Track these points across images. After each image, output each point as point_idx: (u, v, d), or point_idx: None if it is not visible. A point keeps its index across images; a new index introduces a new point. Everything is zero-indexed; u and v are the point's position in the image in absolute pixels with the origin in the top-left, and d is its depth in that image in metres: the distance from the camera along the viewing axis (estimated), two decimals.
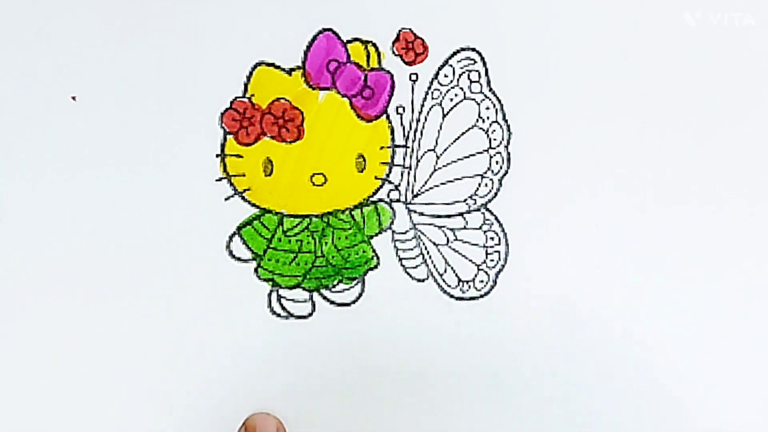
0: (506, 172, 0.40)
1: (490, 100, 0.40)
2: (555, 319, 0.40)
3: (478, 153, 0.40)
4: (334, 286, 0.39)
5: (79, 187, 0.37)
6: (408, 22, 0.39)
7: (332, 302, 0.39)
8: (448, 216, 0.40)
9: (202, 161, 0.38)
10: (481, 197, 0.40)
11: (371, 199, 0.39)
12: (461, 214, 0.40)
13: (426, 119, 0.39)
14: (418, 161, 0.39)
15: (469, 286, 0.40)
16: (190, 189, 0.38)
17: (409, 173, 0.40)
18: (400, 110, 0.39)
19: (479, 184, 0.40)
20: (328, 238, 0.39)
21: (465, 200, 0.40)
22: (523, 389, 0.40)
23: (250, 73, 0.38)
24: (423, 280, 0.40)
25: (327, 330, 0.39)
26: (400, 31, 0.39)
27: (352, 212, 0.39)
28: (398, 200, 0.40)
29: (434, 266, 0.40)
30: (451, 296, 0.40)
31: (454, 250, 0.40)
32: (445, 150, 0.40)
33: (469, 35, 0.39)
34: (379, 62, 0.39)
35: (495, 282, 0.40)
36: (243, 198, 0.38)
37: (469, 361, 0.40)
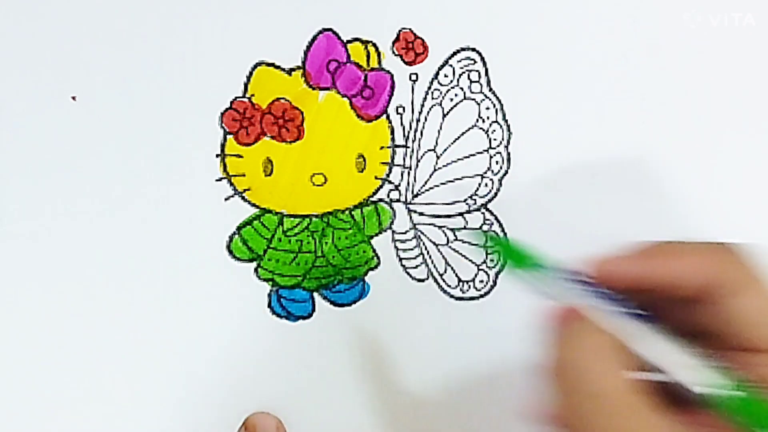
0: (506, 172, 0.40)
1: (490, 100, 0.40)
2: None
3: (478, 153, 0.40)
4: (334, 286, 0.39)
5: (79, 187, 0.37)
6: (408, 22, 0.39)
7: (332, 302, 0.39)
8: (448, 216, 0.40)
9: (202, 161, 0.38)
10: (481, 197, 0.40)
11: (371, 199, 0.39)
12: (461, 214, 0.40)
13: (426, 119, 0.39)
14: (418, 161, 0.39)
15: (469, 286, 0.40)
16: (190, 189, 0.38)
17: (409, 173, 0.40)
18: (400, 110, 0.39)
19: (479, 184, 0.40)
20: (328, 238, 0.39)
21: (465, 200, 0.40)
22: (523, 389, 0.40)
23: (250, 73, 0.38)
24: (423, 280, 0.40)
25: (327, 330, 0.39)
26: (400, 31, 0.39)
27: (352, 212, 0.39)
28: (398, 200, 0.40)
29: (434, 266, 0.40)
30: (451, 296, 0.40)
31: (454, 250, 0.40)
32: (445, 150, 0.40)
33: (469, 35, 0.39)
34: (379, 62, 0.39)
35: (495, 282, 0.40)
36: (243, 198, 0.38)
37: (469, 360, 0.40)
